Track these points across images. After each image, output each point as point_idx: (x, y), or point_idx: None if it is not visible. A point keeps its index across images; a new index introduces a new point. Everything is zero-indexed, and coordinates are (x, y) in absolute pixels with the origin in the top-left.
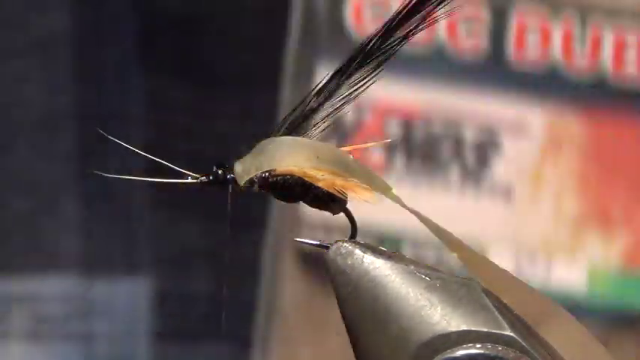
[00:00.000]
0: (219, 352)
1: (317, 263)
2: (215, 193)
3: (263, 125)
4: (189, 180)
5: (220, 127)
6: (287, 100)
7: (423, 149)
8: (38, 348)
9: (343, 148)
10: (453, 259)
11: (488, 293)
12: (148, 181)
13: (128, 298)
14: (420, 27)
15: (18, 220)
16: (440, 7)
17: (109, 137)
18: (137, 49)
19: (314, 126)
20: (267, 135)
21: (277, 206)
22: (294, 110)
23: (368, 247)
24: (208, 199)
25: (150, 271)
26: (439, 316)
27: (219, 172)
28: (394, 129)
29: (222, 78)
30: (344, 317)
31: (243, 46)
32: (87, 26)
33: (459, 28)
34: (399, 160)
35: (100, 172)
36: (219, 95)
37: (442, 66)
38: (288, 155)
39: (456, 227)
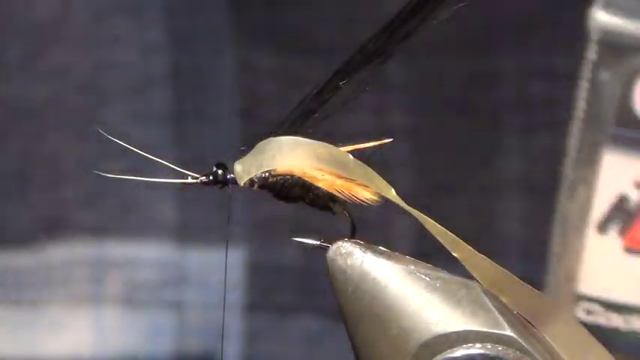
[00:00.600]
0: (309, 325)
1: None
2: None
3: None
4: (190, 180)
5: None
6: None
7: None
8: (131, 313)
9: (343, 148)
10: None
11: (488, 293)
12: (148, 181)
13: (221, 267)
14: (419, 28)
15: (115, 184)
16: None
17: (110, 137)
18: (229, 17)
19: (314, 126)
20: (268, 135)
21: None
22: (294, 110)
23: (368, 247)
24: None
25: (244, 242)
26: (439, 316)
27: (220, 172)
28: None
29: (311, 44)
30: (344, 317)
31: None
32: None
33: None
34: None
35: (99, 172)
36: (308, 62)
37: None
38: (288, 155)
39: None
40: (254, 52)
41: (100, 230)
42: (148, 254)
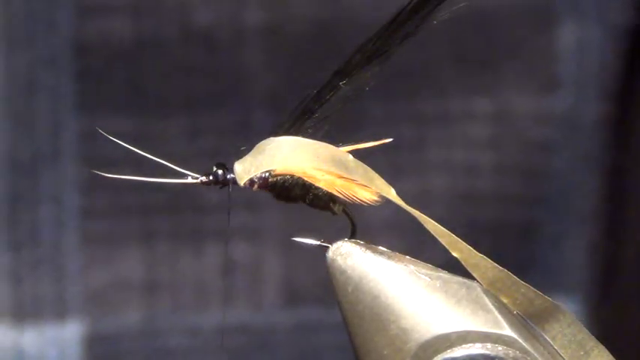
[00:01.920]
0: None
1: None
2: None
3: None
4: (190, 180)
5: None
6: None
7: None
8: None
9: (343, 148)
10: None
11: (488, 293)
12: (148, 181)
13: (58, 342)
14: (420, 28)
15: None
16: (439, 8)
17: (110, 137)
18: (71, 93)
19: (314, 126)
20: (268, 135)
21: None
22: (294, 111)
23: (368, 247)
24: (140, 230)
25: (80, 313)
26: (439, 316)
27: (219, 172)
28: None
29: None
30: (344, 317)
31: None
32: (18, 74)
33: None
34: None
35: (99, 172)
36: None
37: None
38: (288, 155)
39: None
40: (100, 118)
41: None
42: None
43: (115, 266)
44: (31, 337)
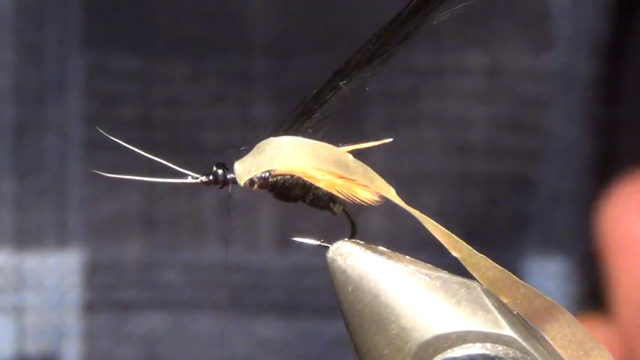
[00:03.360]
0: (151, 321)
1: None
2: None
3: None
4: (190, 180)
5: (168, 90)
6: None
7: None
8: None
9: (343, 148)
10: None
11: (488, 293)
12: (148, 181)
13: (59, 270)
14: (420, 28)
15: None
16: (439, 8)
17: (110, 137)
18: (79, 27)
19: (314, 126)
20: (268, 135)
21: None
22: (294, 111)
23: (368, 247)
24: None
25: (81, 242)
26: (439, 316)
27: (220, 172)
28: None
29: (168, 44)
30: (344, 316)
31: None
32: (28, 5)
33: None
34: None
35: (99, 172)
36: (163, 61)
37: None
38: (288, 155)
39: None
40: (106, 54)
41: None
42: None
43: (116, 199)
44: (32, 264)
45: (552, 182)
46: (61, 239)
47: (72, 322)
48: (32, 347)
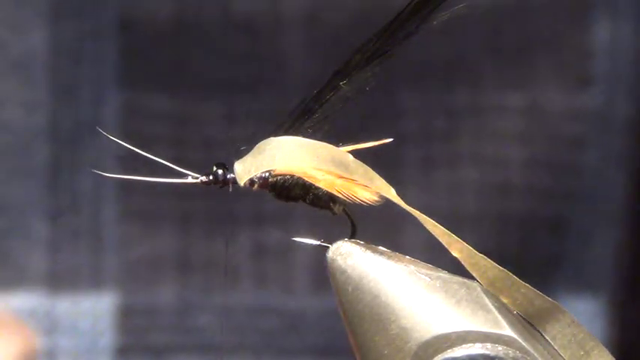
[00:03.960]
0: None
1: None
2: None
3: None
4: (190, 180)
5: (203, 132)
6: None
7: None
8: None
9: (343, 148)
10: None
11: (488, 293)
12: (149, 181)
13: (92, 313)
14: (420, 28)
15: None
16: (439, 8)
17: (110, 137)
18: (115, 67)
19: (314, 126)
20: (268, 135)
21: None
22: (294, 111)
23: (368, 247)
24: (177, 210)
25: (114, 285)
26: (439, 316)
27: (220, 172)
28: None
29: (201, 85)
30: (344, 317)
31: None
32: (64, 44)
33: None
34: None
35: (99, 172)
36: (199, 102)
37: None
38: (288, 155)
39: None
40: (141, 94)
41: None
42: (20, 303)
43: (150, 241)
44: (65, 307)
45: (587, 223)
46: (94, 282)
47: None
48: None
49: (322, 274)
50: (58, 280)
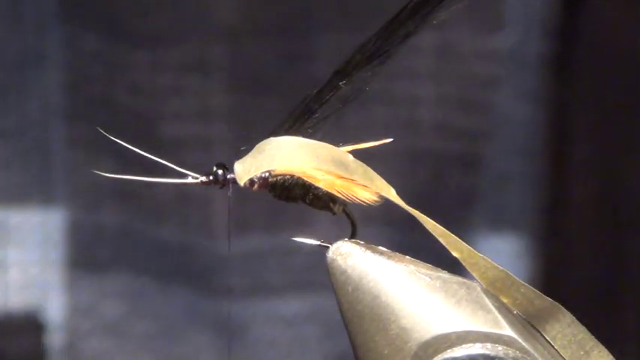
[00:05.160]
0: (128, 280)
1: None
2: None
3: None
4: (190, 180)
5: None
6: None
7: None
8: None
9: (343, 148)
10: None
11: (488, 293)
12: (149, 181)
13: (41, 227)
14: (420, 28)
15: None
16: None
17: (109, 136)
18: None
19: (314, 126)
20: (268, 135)
21: None
22: (294, 111)
23: (368, 247)
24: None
25: (65, 203)
26: (439, 316)
27: (220, 172)
28: None
29: (135, 30)
30: (344, 317)
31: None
32: None
33: None
34: None
35: (99, 172)
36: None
37: None
38: (288, 155)
39: None
40: (81, 33)
41: None
42: None
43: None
44: (16, 221)
45: (502, 161)
46: (44, 199)
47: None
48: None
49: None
50: (9, 195)
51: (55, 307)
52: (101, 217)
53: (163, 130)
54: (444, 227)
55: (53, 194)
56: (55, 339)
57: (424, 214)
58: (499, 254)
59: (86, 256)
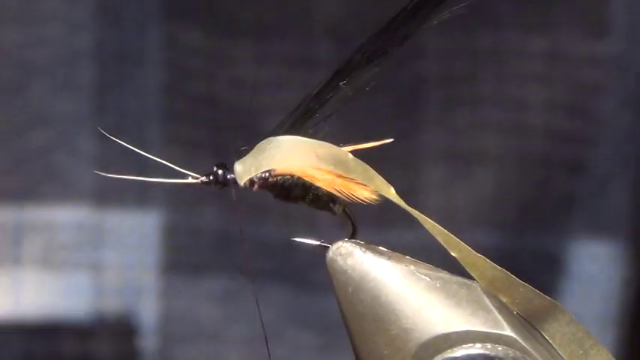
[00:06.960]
0: (223, 284)
1: None
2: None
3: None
4: (190, 180)
5: (236, 71)
6: None
7: None
8: (49, 275)
9: (343, 148)
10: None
11: (488, 293)
12: (149, 181)
13: (138, 229)
14: (420, 28)
15: (35, 153)
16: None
17: (109, 136)
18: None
19: (314, 126)
20: (268, 135)
21: None
22: (294, 110)
23: (368, 248)
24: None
25: (161, 205)
26: (439, 316)
27: (220, 172)
28: None
29: (238, 24)
30: (344, 317)
31: None
32: None
33: None
34: None
35: (99, 172)
36: (234, 40)
37: None
38: (288, 155)
39: None
40: (182, 29)
41: (18, 195)
42: (67, 217)
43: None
44: (112, 223)
45: (603, 167)
46: (141, 200)
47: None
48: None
49: None
50: (106, 197)
51: (149, 311)
52: (198, 218)
53: (266, 125)
54: (545, 230)
55: (150, 195)
56: (148, 343)
57: (528, 217)
58: (595, 258)
59: (182, 258)
